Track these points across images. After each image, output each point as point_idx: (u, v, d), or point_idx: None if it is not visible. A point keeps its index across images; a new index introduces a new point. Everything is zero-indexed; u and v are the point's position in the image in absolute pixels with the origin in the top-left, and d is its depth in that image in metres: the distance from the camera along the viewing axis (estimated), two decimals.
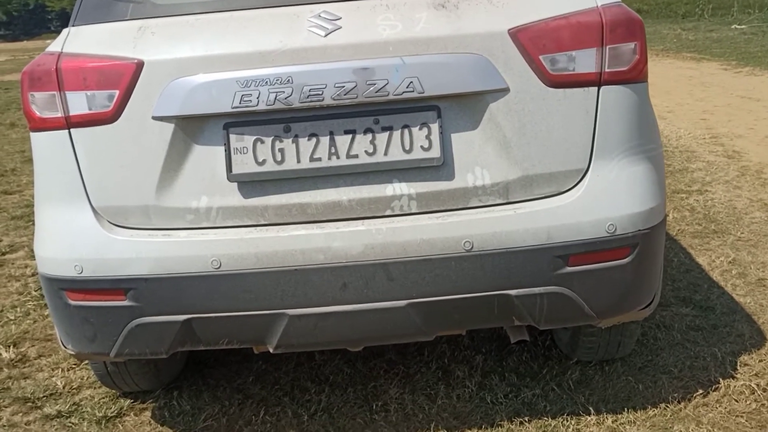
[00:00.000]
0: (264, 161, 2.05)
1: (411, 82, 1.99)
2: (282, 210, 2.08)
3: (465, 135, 2.06)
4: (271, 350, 2.18)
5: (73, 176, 2.11)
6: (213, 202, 2.08)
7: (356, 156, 2.05)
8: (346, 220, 2.07)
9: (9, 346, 3.23)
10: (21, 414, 2.74)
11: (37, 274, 3.76)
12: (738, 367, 2.72)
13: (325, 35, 2.02)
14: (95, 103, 2.06)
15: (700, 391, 2.58)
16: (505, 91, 2.03)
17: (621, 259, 2.13)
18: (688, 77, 10.49)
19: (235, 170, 2.05)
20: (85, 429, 2.58)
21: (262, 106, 2.00)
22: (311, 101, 1.99)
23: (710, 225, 4.29)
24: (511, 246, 2.05)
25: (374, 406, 2.61)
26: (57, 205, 2.16)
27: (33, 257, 2.94)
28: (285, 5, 2.09)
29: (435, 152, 2.05)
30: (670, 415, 2.47)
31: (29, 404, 2.79)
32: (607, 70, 2.06)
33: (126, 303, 2.10)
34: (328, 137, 2.04)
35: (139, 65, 2.04)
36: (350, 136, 2.04)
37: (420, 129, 2.04)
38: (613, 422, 2.44)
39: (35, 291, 3.84)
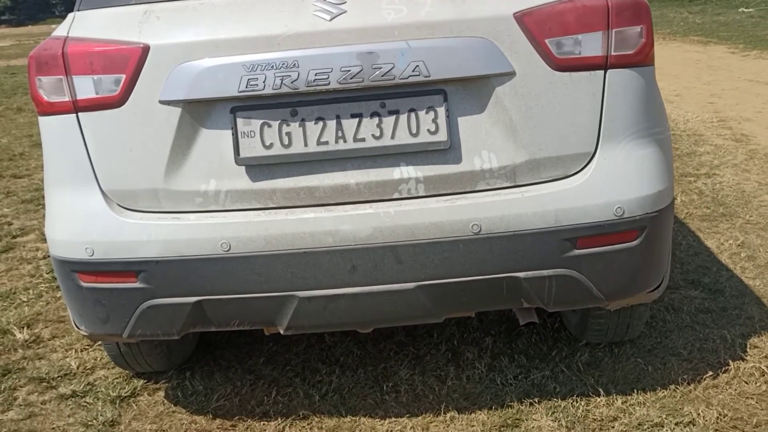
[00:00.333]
0: (271, 145, 2.06)
1: (417, 66, 1.99)
2: (290, 193, 2.09)
3: (471, 118, 2.06)
4: (281, 332, 2.20)
5: (82, 160, 2.13)
6: (221, 185, 2.09)
7: (363, 139, 2.05)
8: (354, 203, 2.08)
9: (23, 328, 3.27)
10: (37, 393, 2.78)
11: (48, 256, 3.81)
12: (748, 350, 2.73)
13: (331, 19, 2.02)
14: (102, 87, 2.07)
15: (710, 373, 2.59)
16: (511, 74, 2.03)
17: (629, 242, 2.13)
18: (695, 61, 10.40)
19: (243, 154, 2.06)
20: (99, 408, 2.62)
21: (268, 90, 2.01)
22: (317, 85, 2.00)
23: (719, 208, 4.28)
24: (519, 229, 2.06)
25: (385, 387, 2.63)
26: (67, 189, 2.18)
27: (44, 240, 2.97)
28: None
29: (442, 136, 2.05)
30: (680, 397, 2.48)
31: (44, 384, 2.83)
32: (613, 53, 2.05)
33: (137, 285, 2.12)
34: (334, 121, 2.05)
35: (145, 49, 2.04)
36: (357, 119, 2.05)
37: (426, 113, 2.05)
38: (622, 403, 2.46)
39: (47, 273, 3.88)
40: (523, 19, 2.02)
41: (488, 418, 2.43)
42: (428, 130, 2.05)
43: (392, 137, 2.05)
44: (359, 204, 2.08)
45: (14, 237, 4.58)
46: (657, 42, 2.86)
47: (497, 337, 2.90)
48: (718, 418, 2.35)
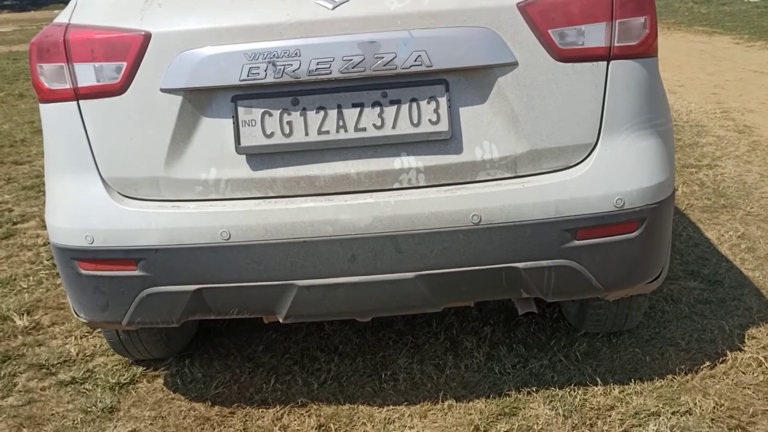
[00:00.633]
0: (272, 134, 2.06)
1: (419, 55, 1.99)
2: (290, 182, 2.09)
3: (473, 109, 2.06)
4: (280, 320, 2.20)
5: (82, 147, 2.13)
6: (222, 174, 2.09)
7: (364, 129, 2.05)
8: (354, 193, 2.08)
9: (23, 314, 3.28)
10: (36, 380, 2.79)
11: (48, 243, 3.81)
12: (745, 340, 2.73)
13: (333, 8, 2.01)
14: (103, 74, 2.07)
15: (707, 363, 2.60)
16: (514, 65, 2.03)
17: (629, 233, 2.13)
18: (699, 51, 10.37)
19: (244, 143, 2.06)
20: (99, 395, 2.63)
21: (269, 79, 2.00)
22: (319, 74, 1.99)
23: (720, 199, 4.28)
24: (519, 219, 2.06)
25: (383, 376, 2.64)
26: (67, 176, 2.18)
27: (44, 227, 2.97)
28: None
29: (443, 126, 2.05)
30: (677, 386, 2.49)
31: (44, 371, 2.84)
32: (616, 44, 2.05)
33: (137, 273, 2.13)
34: (336, 110, 2.05)
35: (147, 37, 2.04)
36: (358, 109, 2.04)
37: (428, 102, 2.04)
38: (620, 393, 2.47)
39: (47, 260, 3.89)
40: (526, 9, 2.01)
41: (486, 406, 2.44)
42: (429, 120, 2.05)
43: (393, 127, 2.05)
44: (359, 193, 2.08)
45: (15, 223, 4.59)
46: (661, 32, 2.83)
47: (496, 327, 2.91)
48: (714, 407, 2.36)
